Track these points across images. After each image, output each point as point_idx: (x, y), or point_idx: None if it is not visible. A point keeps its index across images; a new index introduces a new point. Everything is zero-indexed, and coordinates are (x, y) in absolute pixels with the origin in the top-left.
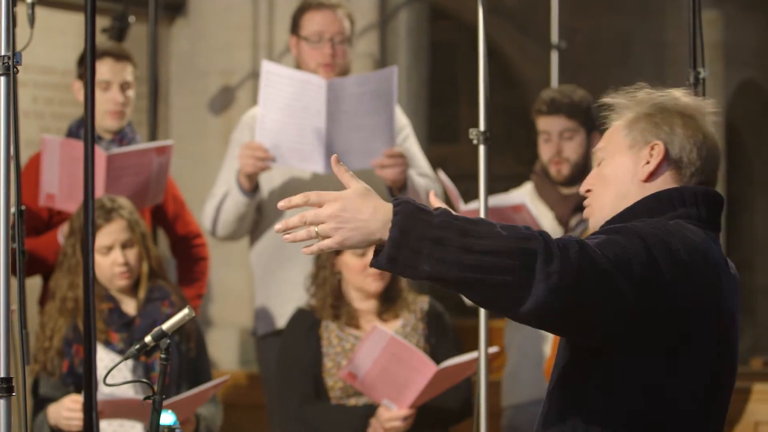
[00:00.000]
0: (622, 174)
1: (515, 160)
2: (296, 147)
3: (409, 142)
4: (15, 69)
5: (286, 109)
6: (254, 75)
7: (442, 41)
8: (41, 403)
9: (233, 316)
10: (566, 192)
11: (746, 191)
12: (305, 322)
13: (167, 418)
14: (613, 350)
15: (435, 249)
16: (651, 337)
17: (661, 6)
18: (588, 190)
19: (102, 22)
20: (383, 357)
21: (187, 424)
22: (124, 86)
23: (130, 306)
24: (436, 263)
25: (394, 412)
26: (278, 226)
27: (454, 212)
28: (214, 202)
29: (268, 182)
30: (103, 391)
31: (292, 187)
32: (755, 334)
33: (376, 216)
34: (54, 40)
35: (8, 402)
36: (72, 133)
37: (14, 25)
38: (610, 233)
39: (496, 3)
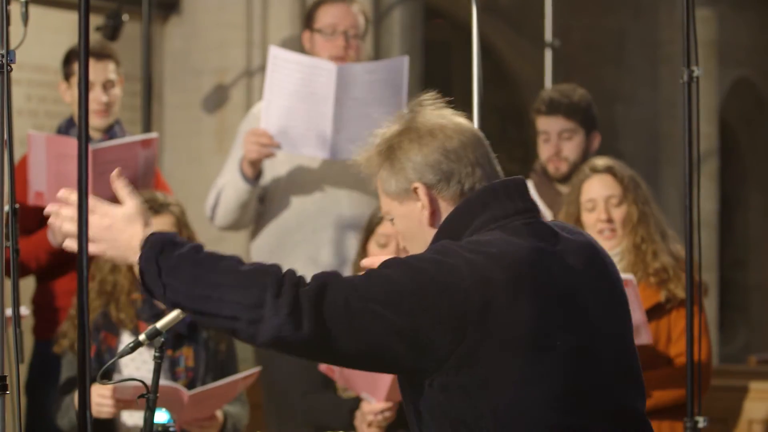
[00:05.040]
0: (412, 227)
1: (508, 159)
2: (303, 133)
3: None
4: (9, 67)
5: (294, 94)
6: (248, 73)
7: (436, 40)
8: (66, 386)
9: None
10: (564, 189)
11: (740, 189)
12: None
13: (161, 416)
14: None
15: (169, 278)
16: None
17: (654, 4)
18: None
19: (96, 20)
20: None
21: (213, 420)
22: (107, 85)
23: None
24: (171, 291)
25: (373, 405)
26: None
27: (207, 251)
28: (216, 191)
29: (271, 170)
30: (127, 385)
31: (297, 175)
32: (749, 332)
33: (131, 243)
34: (48, 39)
35: (2, 400)
36: (61, 132)
37: (8, 24)
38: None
39: (490, 1)
